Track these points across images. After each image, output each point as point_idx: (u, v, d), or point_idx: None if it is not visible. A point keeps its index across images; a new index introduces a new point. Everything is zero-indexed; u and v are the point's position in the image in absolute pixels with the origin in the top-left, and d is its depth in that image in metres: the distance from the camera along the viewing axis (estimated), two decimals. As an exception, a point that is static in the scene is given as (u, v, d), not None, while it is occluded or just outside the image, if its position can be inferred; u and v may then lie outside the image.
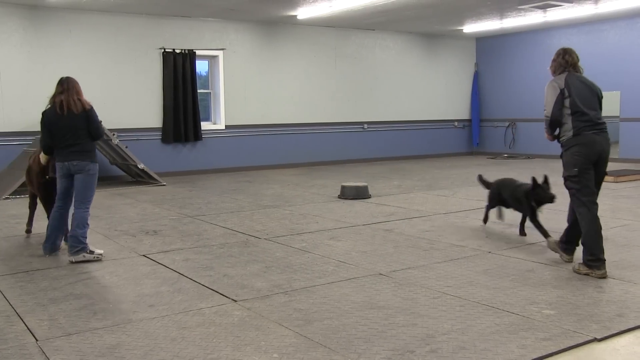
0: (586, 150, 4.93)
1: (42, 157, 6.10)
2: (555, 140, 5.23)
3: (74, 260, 5.69)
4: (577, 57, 5.27)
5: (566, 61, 5.20)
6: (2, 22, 11.28)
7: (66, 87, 5.83)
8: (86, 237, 5.77)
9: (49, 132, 5.81)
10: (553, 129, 5.16)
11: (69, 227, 5.93)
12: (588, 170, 4.95)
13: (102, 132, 6.09)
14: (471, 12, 13.47)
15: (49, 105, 5.86)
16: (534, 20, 14.40)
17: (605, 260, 4.91)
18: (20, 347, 3.64)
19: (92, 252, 5.78)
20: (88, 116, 5.80)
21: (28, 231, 7.01)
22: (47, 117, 5.82)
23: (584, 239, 4.98)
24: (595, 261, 4.88)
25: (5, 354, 3.55)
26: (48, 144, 5.89)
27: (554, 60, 5.28)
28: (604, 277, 4.84)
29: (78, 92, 5.88)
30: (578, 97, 5.01)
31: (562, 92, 5.04)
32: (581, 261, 5.02)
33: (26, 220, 7.10)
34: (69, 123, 5.73)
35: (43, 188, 6.37)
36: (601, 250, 4.91)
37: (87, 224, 5.82)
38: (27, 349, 3.61)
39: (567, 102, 5.02)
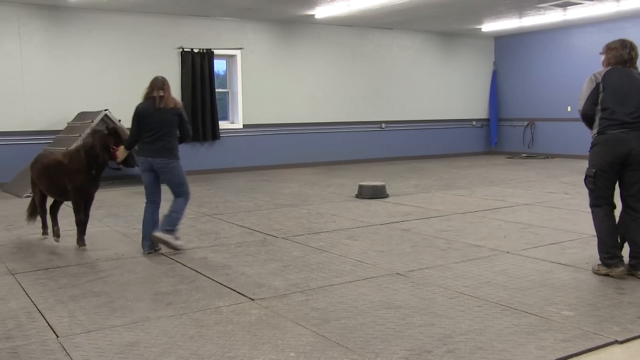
0: (607, 151, 4.76)
1: (122, 153, 6.10)
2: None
3: (160, 237, 5.88)
4: (638, 52, 4.92)
5: (619, 56, 4.87)
6: (24, 23, 11.43)
7: (163, 85, 5.98)
8: (178, 224, 6.03)
9: (139, 125, 5.94)
10: (588, 124, 4.96)
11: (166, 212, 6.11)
12: (605, 174, 4.79)
13: (191, 132, 6.25)
14: (490, 11, 13.38)
15: (143, 100, 6.01)
16: (554, 19, 14.24)
17: (622, 257, 4.83)
18: (41, 343, 3.69)
19: (177, 239, 6.01)
20: (180, 115, 6.01)
21: (45, 233, 6.74)
22: (142, 110, 5.95)
23: (597, 237, 4.93)
24: (611, 258, 4.81)
25: (28, 349, 3.60)
26: (136, 139, 6.00)
27: (613, 56, 4.89)
28: (623, 274, 4.76)
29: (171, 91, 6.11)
30: (611, 94, 4.76)
31: (597, 86, 4.82)
32: (599, 262, 4.97)
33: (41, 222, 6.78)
34: (162, 118, 5.90)
35: (84, 187, 6.18)
36: (617, 248, 4.85)
37: (183, 213, 6.10)
38: (48, 345, 3.66)
39: (599, 98, 4.82)
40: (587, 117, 4.92)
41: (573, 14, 13.58)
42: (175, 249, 5.98)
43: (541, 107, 16.26)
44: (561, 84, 15.37)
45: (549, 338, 3.61)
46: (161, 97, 5.90)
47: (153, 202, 6.12)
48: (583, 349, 3.47)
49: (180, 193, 6.06)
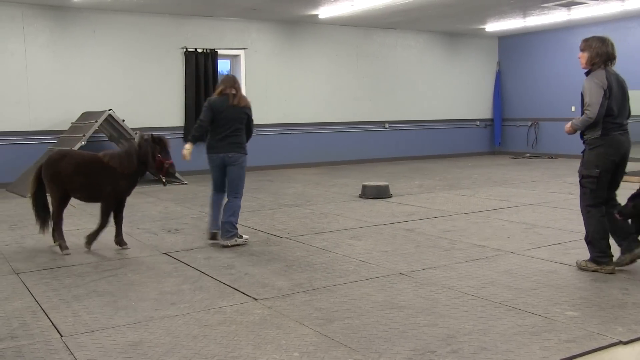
0: (612, 152, 4.89)
1: (189, 149, 6.31)
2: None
3: (229, 244, 6.18)
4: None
5: (607, 53, 4.94)
6: (29, 24, 11.46)
7: (234, 83, 6.27)
8: (236, 223, 6.29)
9: (211, 119, 6.17)
10: (589, 129, 4.94)
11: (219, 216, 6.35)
12: (607, 174, 4.92)
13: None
14: (493, 11, 13.36)
15: (216, 96, 6.23)
16: (558, 19, 14.21)
17: (612, 256, 4.97)
18: (45, 343, 3.70)
19: (241, 237, 6.34)
20: (249, 113, 6.30)
21: (66, 247, 6.06)
22: (215, 105, 6.17)
23: (592, 237, 5.00)
24: (604, 257, 4.95)
25: (32, 348, 3.61)
26: (205, 130, 6.23)
27: (591, 48, 4.94)
28: (613, 272, 4.91)
29: None
30: (615, 100, 4.90)
31: (605, 92, 4.84)
32: (587, 258, 5.07)
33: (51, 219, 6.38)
34: (234, 115, 6.17)
35: (123, 192, 6.14)
36: (609, 247, 4.97)
37: (239, 213, 6.34)
38: (52, 345, 3.66)
39: (606, 104, 4.86)
40: (597, 123, 4.89)
41: (577, 13, 13.56)
42: (246, 242, 6.39)
43: (545, 107, 16.23)
44: (565, 84, 15.32)
45: (553, 338, 3.61)
46: (234, 94, 6.17)
47: (221, 191, 6.43)
48: (587, 349, 3.46)
49: (238, 188, 6.31)
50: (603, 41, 4.98)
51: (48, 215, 6.29)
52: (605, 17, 14.06)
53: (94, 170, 6.06)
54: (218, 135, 6.20)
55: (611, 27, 14.60)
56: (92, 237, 6.12)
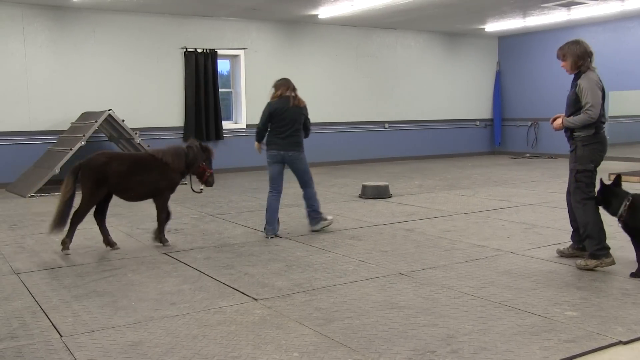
0: (602, 148, 5.15)
1: (258, 145, 6.91)
2: (564, 133, 5.28)
3: (318, 229, 6.84)
4: None
5: (586, 51, 5.14)
6: (28, 23, 11.46)
7: (291, 85, 6.80)
8: (319, 207, 6.90)
9: (271, 120, 6.67)
10: (584, 127, 5.08)
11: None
12: (597, 168, 5.16)
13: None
14: (493, 11, 13.36)
15: (272, 100, 6.73)
16: (558, 19, 14.21)
17: (609, 248, 5.05)
18: (45, 343, 3.70)
19: (326, 219, 6.91)
20: (306, 113, 6.81)
21: (68, 248, 6.04)
22: (275, 107, 6.67)
23: (590, 231, 5.05)
24: (602, 249, 5.02)
25: (32, 349, 3.61)
26: (265, 132, 6.76)
27: (570, 54, 5.14)
28: (613, 263, 5.00)
29: None
30: (604, 99, 5.15)
31: (602, 93, 5.08)
32: (586, 256, 5.12)
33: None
34: (294, 116, 6.68)
35: (174, 188, 6.40)
36: (606, 239, 5.05)
37: (317, 197, 6.92)
38: (52, 345, 3.66)
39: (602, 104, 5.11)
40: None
41: (577, 13, 13.56)
42: (332, 222, 6.99)
43: (545, 107, 16.20)
44: (565, 84, 15.12)
45: (552, 338, 3.61)
46: (294, 96, 6.70)
47: (277, 190, 6.81)
48: (587, 349, 3.46)
49: (307, 179, 6.84)
50: (577, 43, 5.19)
51: (68, 218, 6.09)
52: (605, 17, 14.07)
53: (150, 167, 6.19)
54: (280, 134, 6.67)
55: (611, 27, 14.62)
56: (160, 232, 6.30)
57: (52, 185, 10.53)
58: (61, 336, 3.81)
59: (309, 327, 3.87)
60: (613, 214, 4.93)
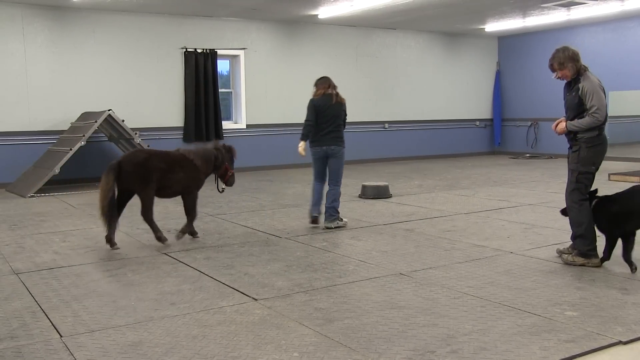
0: (604, 149, 5.20)
1: (302, 146, 7.08)
2: (564, 136, 5.32)
3: (332, 227, 6.97)
4: None
5: (575, 53, 5.26)
6: (28, 23, 11.46)
7: (332, 83, 7.07)
8: (338, 208, 7.07)
9: (316, 116, 6.93)
10: (588, 129, 5.10)
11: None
12: (596, 170, 5.22)
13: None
14: (493, 11, 13.36)
15: (315, 97, 7.00)
16: (558, 19, 14.22)
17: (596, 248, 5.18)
18: (45, 343, 3.70)
19: (341, 220, 7.11)
20: (344, 109, 7.06)
21: (114, 243, 6.16)
22: (318, 104, 6.96)
23: (585, 231, 5.13)
24: (593, 250, 5.12)
25: (32, 349, 3.61)
26: (312, 129, 6.95)
27: (566, 60, 5.21)
28: (599, 265, 5.10)
29: None
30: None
31: (603, 93, 5.13)
32: (575, 253, 5.22)
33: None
34: (335, 112, 6.95)
35: (201, 186, 6.58)
36: (596, 240, 5.15)
37: (339, 199, 7.08)
38: (52, 345, 3.66)
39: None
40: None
41: (577, 13, 13.56)
42: (346, 224, 7.13)
43: (545, 107, 16.22)
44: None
45: (552, 338, 3.61)
46: (336, 94, 6.96)
47: (322, 180, 7.15)
48: (587, 349, 3.46)
49: (337, 179, 7.05)
50: (566, 48, 5.32)
51: (116, 215, 6.15)
52: (605, 17, 14.07)
53: (184, 167, 6.37)
54: (322, 130, 6.93)
55: (610, 27, 14.62)
56: (186, 229, 6.51)
57: (52, 185, 10.54)
58: (61, 336, 3.81)
59: (308, 327, 3.87)
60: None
